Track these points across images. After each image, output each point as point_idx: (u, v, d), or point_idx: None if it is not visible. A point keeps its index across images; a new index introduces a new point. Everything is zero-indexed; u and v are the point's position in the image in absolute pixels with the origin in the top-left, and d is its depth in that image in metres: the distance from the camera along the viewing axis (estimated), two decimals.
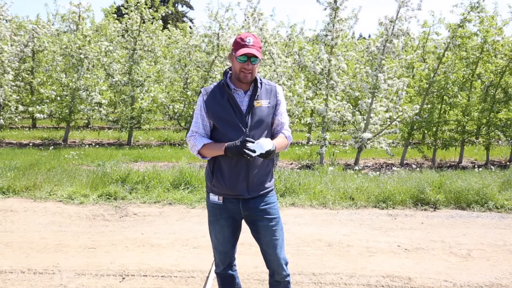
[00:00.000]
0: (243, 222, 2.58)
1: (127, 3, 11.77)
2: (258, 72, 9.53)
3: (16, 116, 11.91)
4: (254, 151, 2.23)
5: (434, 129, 9.47)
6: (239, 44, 2.37)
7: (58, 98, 11.60)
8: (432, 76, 9.12)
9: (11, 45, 12.46)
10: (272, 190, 2.55)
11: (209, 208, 2.54)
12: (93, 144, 11.63)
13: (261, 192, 2.47)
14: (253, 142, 2.24)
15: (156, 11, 12.04)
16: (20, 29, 15.25)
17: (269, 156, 2.25)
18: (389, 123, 8.91)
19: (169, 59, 14.15)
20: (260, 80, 2.49)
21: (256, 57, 2.35)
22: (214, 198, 2.49)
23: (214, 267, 3.28)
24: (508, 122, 9.11)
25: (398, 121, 9.00)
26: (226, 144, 2.33)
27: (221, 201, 2.47)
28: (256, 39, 2.40)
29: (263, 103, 2.43)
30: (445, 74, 9.10)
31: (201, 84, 12.22)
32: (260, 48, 2.41)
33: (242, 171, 2.40)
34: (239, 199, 2.45)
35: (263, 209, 2.48)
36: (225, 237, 2.52)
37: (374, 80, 8.67)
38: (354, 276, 3.63)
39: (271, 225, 2.49)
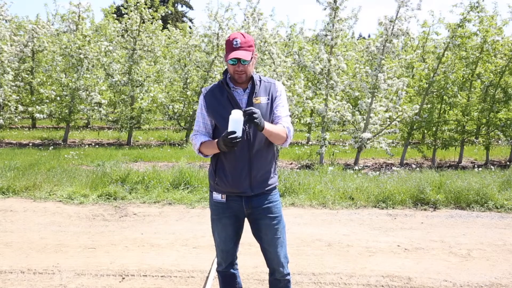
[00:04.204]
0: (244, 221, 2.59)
1: (127, 3, 11.76)
2: (257, 72, 9.43)
3: (15, 116, 11.90)
4: (234, 132, 2.19)
5: (434, 129, 9.47)
6: (228, 46, 2.37)
7: (58, 98, 11.60)
8: (431, 76, 9.11)
9: (11, 45, 12.44)
10: (275, 187, 2.56)
11: (212, 206, 2.55)
12: (93, 144, 11.63)
13: (265, 189, 2.48)
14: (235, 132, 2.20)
15: (156, 11, 12.03)
16: (19, 29, 15.25)
17: (253, 118, 2.17)
18: (388, 123, 8.91)
19: (168, 59, 14.14)
20: (260, 77, 2.50)
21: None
22: (217, 196, 2.50)
23: (214, 267, 3.28)
24: (508, 122, 9.10)
25: (398, 121, 8.99)
26: (217, 139, 2.33)
27: (225, 200, 2.47)
28: (245, 38, 2.36)
29: (262, 100, 2.43)
30: (444, 74, 9.10)
31: (201, 84, 12.22)
32: (250, 46, 2.36)
33: (244, 168, 2.41)
34: (242, 197, 2.45)
35: (266, 208, 2.49)
36: (227, 235, 2.53)
37: (373, 80, 8.67)
38: (353, 276, 3.63)
39: (273, 223, 2.50)
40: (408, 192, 6.03)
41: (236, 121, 2.20)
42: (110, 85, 12.23)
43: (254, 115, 2.18)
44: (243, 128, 2.28)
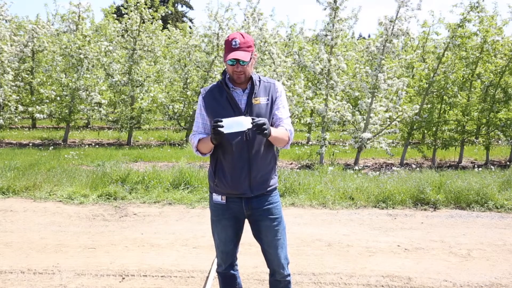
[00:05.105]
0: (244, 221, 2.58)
1: (127, 3, 11.76)
2: (257, 72, 9.40)
3: (16, 116, 11.89)
4: (222, 126, 2.17)
5: (434, 129, 9.47)
6: (227, 47, 2.36)
7: (58, 98, 11.60)
8: (432, 76, 9.11)
9: (11, 45, 12.44)
10: (275, 188, 2.55)
11: (212, 208, 2.54)
12: (93, 144, 11.63)
13: (265, 191, 2.47)
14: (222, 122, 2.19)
15: (156, 11, 12.03)
16: (19, 29, 15.24)
17: (261, 129, 2.18)
18: (389, 123, 8.91)
19: (168, 59, 14.15)
20: (259, 78, 2.49)
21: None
22: (217, 198, 2.49)
23: (214, 267, 3.28)
24: (508, 122, 9.11)
25: (398, 121, 9.00)
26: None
27: (224, 201, 2.47)
28: (244, 39, 2.35)
29: (261, 100, 2.42)
30: (444, 74, 9.10)
31: (201, 84, 12.22)
32: (249, 47, 2.35)
33: (244, 169, 2.40)
34: (242, 198, 2.44)
35: (266, 209, 2.48)
36: (227, 237, 2.52)
37: (374, 80, 8.68)
38: (353, 276, 3.63)
39: (273, 225, 2.49)
40: (408, 192, 6.03)
41: (237, 122, 2.18)
42: (110, 85, 12.23)
43: (263, 127, 2.18)
44: (240, 132, 2.28)
